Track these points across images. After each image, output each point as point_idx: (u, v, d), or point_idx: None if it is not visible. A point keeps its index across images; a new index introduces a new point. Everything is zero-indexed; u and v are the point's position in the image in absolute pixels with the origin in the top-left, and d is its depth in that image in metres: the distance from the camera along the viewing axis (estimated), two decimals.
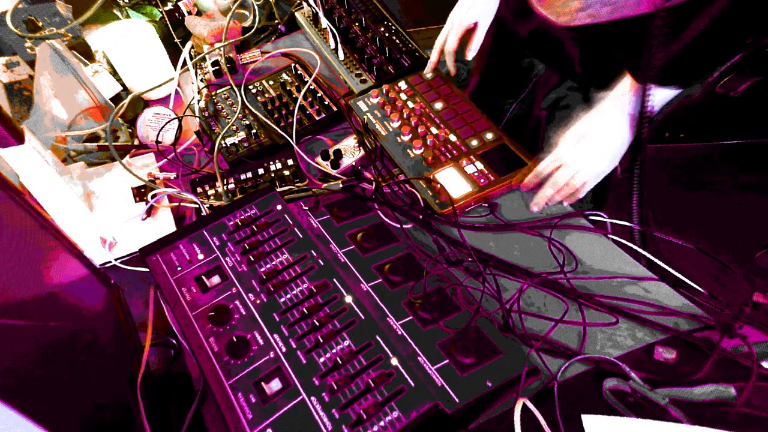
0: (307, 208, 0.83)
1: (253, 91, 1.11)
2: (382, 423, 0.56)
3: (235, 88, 1.09)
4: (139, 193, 0.94)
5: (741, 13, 0.68)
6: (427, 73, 1.06)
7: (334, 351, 0.62)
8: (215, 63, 1.14)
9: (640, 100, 0.76)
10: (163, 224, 0.90)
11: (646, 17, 0.81)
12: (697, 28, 0.70)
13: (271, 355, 0.62)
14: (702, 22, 0.70)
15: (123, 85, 1.16)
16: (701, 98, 1.00)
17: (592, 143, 0.80)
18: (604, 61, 0.84)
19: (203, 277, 0.71)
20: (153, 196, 0.90)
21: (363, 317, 0.65)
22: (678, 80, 0.75)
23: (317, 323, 0.64)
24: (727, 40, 0.71)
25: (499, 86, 1.20)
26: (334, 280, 0.69)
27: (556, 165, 0.82)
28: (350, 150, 0.96)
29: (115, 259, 0.86)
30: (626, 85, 0.78)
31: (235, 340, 0.63)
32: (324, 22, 1.15)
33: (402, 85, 1.05)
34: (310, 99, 1.07)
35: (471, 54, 1.03)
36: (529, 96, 1.17)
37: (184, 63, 1.11)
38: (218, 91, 1.12)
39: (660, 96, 0.76)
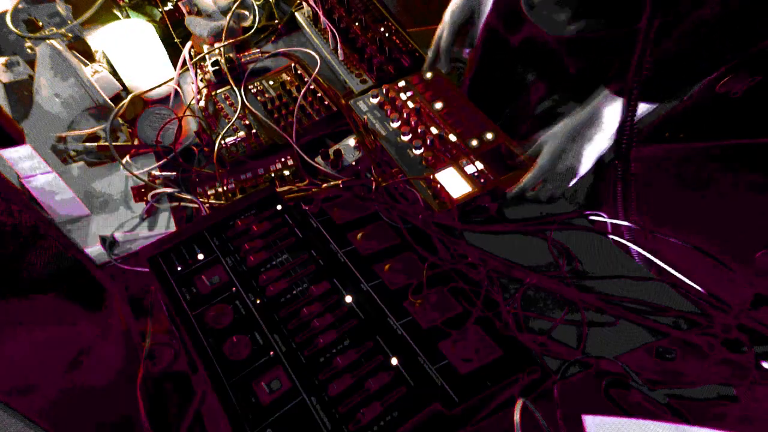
0: (307, 208, 0.83)
1: (253, 91, 1.11)
2: (382, 423, 0.56)
3: (235, 88, 1.09)
4: (139, 193, 0.94)
5: (717, 31, 0.69)
6: (426, 72, 1.06)
7: (334, 351, 0.62)
8: (215, 63, 1.14)
9: (624, 114, 0.77)
10: (163, 224, 0.90)
11: (638, 31, 0.82)
12: (675, 43, 0.71)
13: (271, 355, 0.62)
14: (680, 36, 0.71)
15: (123, 85, 1.16)
16: (701, 99, 1.00)
17: (572, 161, 0.83)
18: (600, 72, 0.84)
19: (203, 277, 0.71)
20: (153, 196, 0.90)
21: (363, 317, 0.65)
22: (658, 97, 0.76)
23: (317, 323, 0.64)
24: (705, 56, 0.73)
25: (490, 93, 1.20)
26: (334, 280, 0.69)
27: (538, 181, 0.86)
28: (350, 150, 0.96)
29: (115, 259, 0.86)
30: (604, 98, 0.79)
31: (235, 340, 0.63)
32: (324, 22, 1.15)
33: (402, 85, 1.05)
34: (310, 99, 1.07)
35: (468, 50, 1.03)
36: (522, 103, 1.17)
37: (184, 63, 1.11)
38: (218, 91, 1.12)
39: (641, 109, 0.77)
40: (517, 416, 0.58)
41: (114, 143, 0.99)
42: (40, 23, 1.08)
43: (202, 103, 1.07)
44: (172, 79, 1.12)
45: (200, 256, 0.73)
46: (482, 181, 0.87)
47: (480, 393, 0.60)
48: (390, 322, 0.67)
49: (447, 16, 1.03)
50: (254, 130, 1.02)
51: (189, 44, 1.16)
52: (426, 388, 0.59)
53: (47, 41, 0.99)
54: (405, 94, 1.03)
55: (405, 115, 0.99)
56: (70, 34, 1.11)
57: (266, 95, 1.10)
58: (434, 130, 0.96)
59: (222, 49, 1.12)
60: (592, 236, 0.83)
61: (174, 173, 0.98)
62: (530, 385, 0.64)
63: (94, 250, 0.86)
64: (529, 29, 0.99)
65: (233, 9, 1.13)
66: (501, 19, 1.02)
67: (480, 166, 0.89)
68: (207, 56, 1.14)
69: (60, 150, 0.98)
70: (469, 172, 0.89)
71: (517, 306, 0.73)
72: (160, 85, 1.12)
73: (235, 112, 1.06)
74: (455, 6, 1.01)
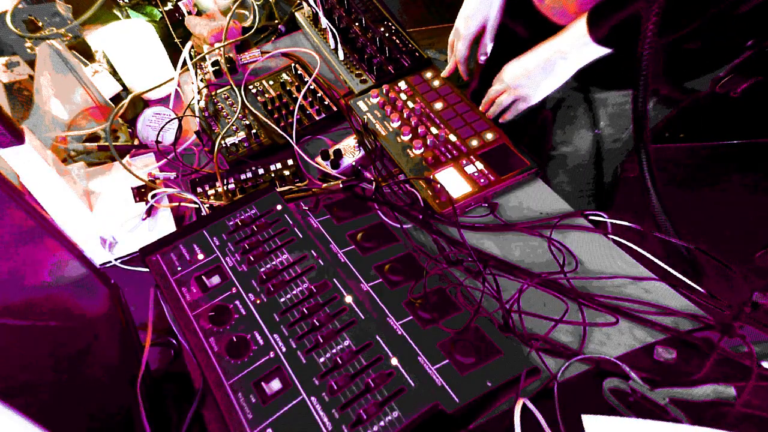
0: (307, 208, 0.83)
1: (253, 91, 1.11)
2: (382, 423, 0.56)
3: (235, 88, 1.09)
4: (139, 193, 0.94)
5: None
6: (444, 74, 1.06)
7: (334, 351, 0.62)
8: (215, 63, 1.14)
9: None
10: (163, 224, 0.90)
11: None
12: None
13: (271, 355, 0.62)
14: None
15: (123, 85, 1.16)
16: (701, 99, 1.00)
17: (534, 80, 0.91)
18: (605, 61, 0.84)
19: (203, 277, 0.71)
20: (153, 196, 0.90)
21: (363, 317, 0.65)
22: (614, 43, 0.81)
23: (317, 323, 0.64)
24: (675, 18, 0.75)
25: None
26: (334, 280, 0.69)
27: (501, 90, 0.95)
28: (350, 150, 0.96)
29: (115, 259, 0.86)
30: (577, 34, 0.83)
31: (235, 340, 0.63)
32: (324, 22, 1.15)
33: (402, 85, 1.05)
34: (310, 99, 1.07)
35: (484, 58, 1.04)
36: None
37: (184, 63, 1.11)
38: (218, 91, 1.12)
39: (592, 54, 0.83)
40: (517, 416, 0.58)
41: (114, 143, 0.99)
42: (40, 23, 1.08)
43: (202, 103, 1.07)
44: (172, 79, 1.12)
45: (200, 256, 0.73)
46: (482, 181, 0.87)
47: (480, 393, 0.60)
48: (390, 322, 0.67)
49: (460, 27, 1.03)
50: (254, 130, 1.02)
51: (189, 44, 1.16)
52: (426, 388, 0.59)
53: (47, 41, 0.99)
54: (405, 94, 1.03)
55: (405, 115, 0.99)
56: (70, 34, 1.11)
57: (266, 95, 1.10)
58: (434, 130, 0.96)
59: (222, 49, 1.12)
60: (592, 236, 0.83)
61: (174, 173, 0.98)
62: (530, 385, 0.64)
63: (94, 250, 0.86)
64: (538, 21, 0.99)
65: (233, 9, 1.13)
66: (507, 11, 1.02)
67: (480, 166, 0.89)
68: (207, 56, 1.14)
69: (60, 150, 0.98)
70: (469, 172, 0.89)
71: (517, 306, 0.73)
72: (160, 85, 1.12)
73: (235, 112, 1.06)
74: (468, 17, 1.01)
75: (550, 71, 0.89)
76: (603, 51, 0.83)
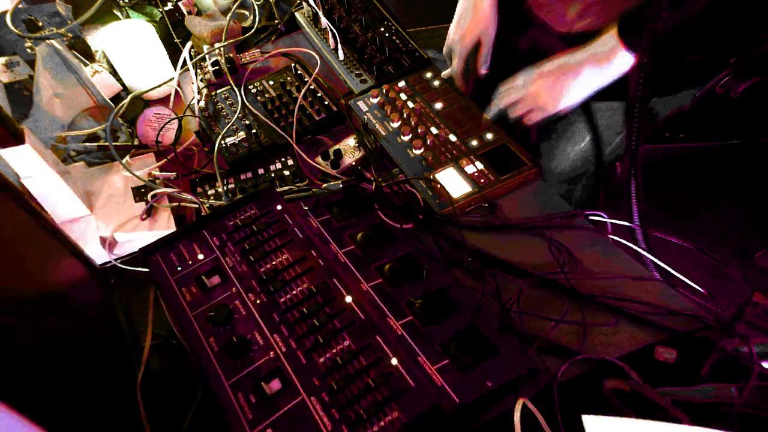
0: (307, 208, 0.83)
1: (253, 91, 1.11)
2: (382, 423, 0.56)
3: (235, 88, 1.09)
4: (139, 193, 0.94)
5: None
6: (444, 75, 1.06)
7: (334, 351, 0.62)
8: (215, 63, 1.14)
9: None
10: (163, 224, 0.90)
11: None
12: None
13: (271, 355, 0.62)
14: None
15: (123, 85, 1.16)
16: (701, 99, 1.00)
17: (557, 89, 0.87)
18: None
19: (203, 277, 0.71)
20: (153, 196, 0.90)
21: (363, 317, 0.65)
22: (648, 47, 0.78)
23: (317, 323, 0.64)
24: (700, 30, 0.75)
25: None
26: (334, 280, 0.69)
27: (516, 98, 0.91)
28: (350, 150, 0.96)
29: (115, 259, 0.86)
30: (609, 46, 0.81)
31: (235, 340, 0.63)
32: (324, 22, 1.15)
33: (402, 85, 1.05)
34: (310, 99, 1.07)
35: (484, 70, 1.03)
36: None
37: (184, 63, 1.11)
38: (218, 91, 1.12)
39: (624, 63, 0.80)
40: (517, 416, 0.58)
41: (114, 143, 0.99)
42: (40, 23, 1.08)
43: (202, 103, 1.07)
44: (172, 79, 1.12)
45: (200, 256, 0.73)
46: (482, 181, 0.87)
47: (480, 393, 0.60)
48: (390, 322, 0.67)
49: (455, 44, 1.03)
50: (254, 130, 1.02)
51: (189, 44, 1.16)
52: (426, 388, 0.59)
53: (47, 41, 0.99)
54: (405, 94, 1.03)
55: (405, 115, 0.99)
56: (70, 34, 1.11)
57: (266, 95, 1.10)
58: (434, 130, 0.96)
59: (222, 49, 1.12)
60: (592, 236, 0.83)
61: (174, 173, 0.98)
62: (530, 385, 0.64)
63: (94, 250, 0.86)
64: (535, 31, 0.99)
65: (233, 9, 1.13)
66: (507, 23, 1.02)
67: (480, 166, 0.89)
68: (207, 56, 1.14)
69: (60, 150, 0.98)
70: (469, 172, 0.89)
71: (517, 306, 0.73)
72: (160, 85, 1.12)
73: (235, 112, 1.06)
74: (463, 35, 1.01)
75: (576, 81, 0.85)
76: (632, 61, 0.80)
